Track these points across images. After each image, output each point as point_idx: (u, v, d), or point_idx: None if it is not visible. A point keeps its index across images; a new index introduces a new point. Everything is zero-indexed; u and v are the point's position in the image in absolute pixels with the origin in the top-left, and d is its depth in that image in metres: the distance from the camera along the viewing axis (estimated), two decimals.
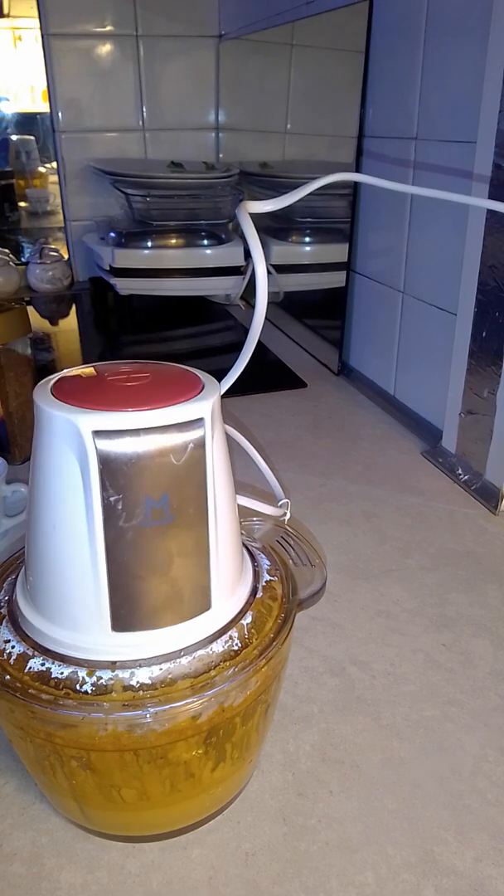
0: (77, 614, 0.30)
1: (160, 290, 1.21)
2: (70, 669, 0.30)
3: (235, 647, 0.32)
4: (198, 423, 0.28)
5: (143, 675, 0.30)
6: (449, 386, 0.72)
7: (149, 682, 0.30)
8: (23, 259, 1.42)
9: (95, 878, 0.35)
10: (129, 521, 0.28)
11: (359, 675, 0.47)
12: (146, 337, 1.19)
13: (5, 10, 1.33)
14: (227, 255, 1.20)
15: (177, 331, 1.21)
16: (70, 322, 1.24)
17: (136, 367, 0.32)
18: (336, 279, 0.97)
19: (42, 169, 1.49)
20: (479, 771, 0.41)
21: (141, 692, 0.29)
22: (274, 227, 1.16)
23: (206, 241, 1.21)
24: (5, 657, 0.31)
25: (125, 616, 0.29)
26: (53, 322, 1.24)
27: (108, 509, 0.28)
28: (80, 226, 1.37)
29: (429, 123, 0.73)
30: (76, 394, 0.29)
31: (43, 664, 0.30)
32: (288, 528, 0.44)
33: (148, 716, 0.29)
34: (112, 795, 0.32)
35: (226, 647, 0.32)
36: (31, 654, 0.31)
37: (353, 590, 0.56)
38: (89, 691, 0.29)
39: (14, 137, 1.45)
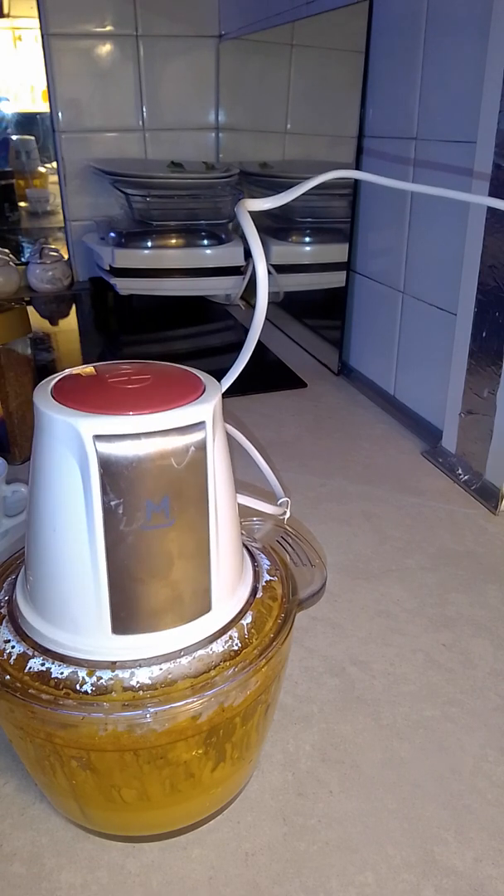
0: (77, 617, 0.30)
1: (160, 290, 1.21)
2: (70, 669, 0.30)
3: (235, 647, 0.32)
4: (199, 426, 0.28)
5: (143, 675, 0.30)
6: (449, 386, 0.72)
7: (149, 682, 0.30)
8: (23, 259, 1.42)
9: (95, 878, 0.35)
10: (129, 524, 0.28)
11: (359, 675, 0.48)
12: (146, 337, 1.19)
13: (5, 10, 1.33)
14: (227, 255, 1.20)
15: (177, 331, 1.21)
16: (70, 322, 1.24)
17: (137, 368, 0.32)
18: (336, 279, 0.97)
19: (42, 169, 1.49)
20: (479, 771, 0.41)
21: (141, 692, 0.29)
22: (274, 227, 1.16)
23: (206, 241, 1.21)
24: (5, 657, 0.31)
25: (125, 619, 0.29)
26: (53, 322, 1.24)
27: (108, 513, 0.28)
28: (80, 226, 1.37)
29: (429, 123, 0.73)
30: (76, 396, 0.29)
31: (43, 664, 0.30)
32: (288, 527, 0.44)
33: (148, 716, 0.29)
34: (112, 795, 0.32)
35: (226, 647, 0.32)
36: (31, 654, 0.31)
37: (353, 590, 0.56)
38: (89, 691, 0.29)
39: (14, 137, 1.45)
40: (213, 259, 1.21)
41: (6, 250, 1.36)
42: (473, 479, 0.70)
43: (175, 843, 0.37)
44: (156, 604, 0.30)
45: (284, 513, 0.44)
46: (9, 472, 0.62)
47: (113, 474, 0.27)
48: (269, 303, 0.33)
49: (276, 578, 0.37)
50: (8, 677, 0.30)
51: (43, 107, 1.32)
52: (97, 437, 0.27)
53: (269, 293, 0.33)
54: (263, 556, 0.38)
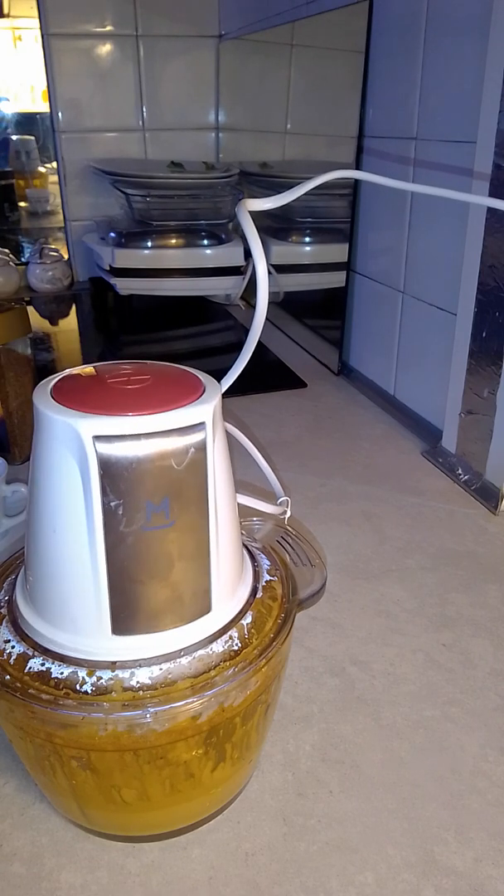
0: (77, 617, 0.30)
1: (160, 290, 1.21)
2: (70, 669, 0.30)
3: (235, 647, 0.32)
4: (199, 426, 0.28)
5: (143, 675, 0.30)
6: (449, 386, 0.72)
7: (149, 682, 0.30)
8: (23, 259, 1.42)
9: (95, 878, 0.35)
10: (129, 525, 0.28)
11: (359, 675, 0.48)
12: (146, 337, 1.19)
13: (5, 10, 1.33)
14: (227, 255, 1.20)
15: (177, 331, 1.21)
16: (70, 322, 1.24)
17: (137, 368, 0.32)
18: (336, 279, 0.97)
19: (42, 169, 1.49)
20: (479, 771, 0.41)
21: (141, 692, 0.29)
22: (274, 227, 1.16)
23: (206, 241, 1.21)
24: (5, 657, 0.31)
25: (125, 620, 0.29)
26: (53, 322, 1.24)
27: (108, 514, 0.28)
28: (80, 226, 1.37)
29: (429, 123, 0.73)
30: (76, 397, 0.29)
31: (43, 664, 0.30)
32: (288, 527, 0.44)
33: (148, 716, 0.29)
34: (112, 796, 0.32)
35: (226, 647, 0.32)
36: (31, 654, 0.31)
37: (353, 590, 0.56)
38: (89, 691, 0.29)
39: (14, 137, 1.45)
40: (213, 259, 1.21)
41: (6, 250, 1.36)
42: (473, 479, 0.70)
43: (175, 843, 0.37)
44: (156, 604, 0.30)
45: (284, 512, 0.44)
46: (9, 472, 0.62)
47: (113, 475, 0.27)
48: (269, 303, 0.34)
49: (276, 578, 0.37)
50: (8, 677, 0.30)
51: (43, 107, 1.32)
52: (97, 438, 0.27)
53: (269, 293, 0.33)
54: (263, 556, 0.38)
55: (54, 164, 1.35)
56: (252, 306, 0.38)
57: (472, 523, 0.65)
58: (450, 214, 0.71)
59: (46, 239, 1.43)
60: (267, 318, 0.33)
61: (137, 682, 0.30)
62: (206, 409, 0.29)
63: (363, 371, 0.96)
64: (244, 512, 0.39)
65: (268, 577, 0.36)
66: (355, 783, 0.40)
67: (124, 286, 1.19)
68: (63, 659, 0.30)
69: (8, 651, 0.31)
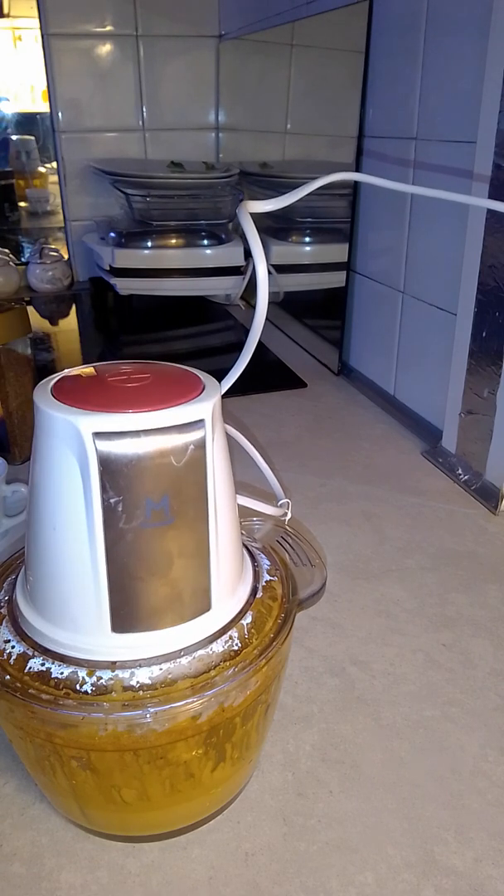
0: (77, 615, 0.30)
1: (160, 290, 1.21)
2: (70, 669, 0.30)
3: (235, 647, 0.32)
4: (198, 424, 0.28)
5: (143, 675, 0.30)
6: (449, 386, 0.72)
7: (149, 682, 0.30)
8: (23, 259, 1.42)
9: (95, 878, 0.35)
10: (129, 522, 0.28)
11: (359, 675, 0.47)
12: (146, 337, 1.19)
13: (5, 10, 1.33)
14: (227, 255, 1.20)
15: (177, 331, 1.21)
16: (70, 322, 1.24)
17: (137, 367, 0.32)
18: (336, 279, 0.97)
19: (42, 169, 1.49)
20: (479, 771, 0.41)
21: (141, 692, 0.29)
22: (274, 227, 1.16)
23: (206, 241, 1.21)
24: (5, 657, 0.31)
25: (125, 617, 0.29)
26: (53, 322, 1.24)
27: (108, 511, 0.28)
28: (80, 226, 1.37)
29: (429, 123, 0.73)
30: (76, 395, 0.29)
31: (43, 664, 0.30)
32: (288, 528, 0.44)
33: (148, 716, 0.29)
34: (112, 796, 0.32)
35: (226, 647, 0.32)
36: (31, 654, 0.31)
37: (353, 590, 0.56)
38: (89, 691, 0.29)
39: (14, 137, 1.45)
40: (213, 259, 1.21)
41: (6, 250, 1.36)
42: (473, 479, 0.70)
43: (175, 843, 0.37)
44: (155, 602, 0.30)
45: (285, 514, 0.44)
46: (9, 472, 0.62)
47: (112, 472, 0.27)
48: (269, 303, 0.33)
49: (276, 578, 0.37)
50: (8, 677, 0.30)
51: (43, 107, 1.32)
52: (97, 435, 0.27)
53: (269, 293, 0.33)
54: (263, 556, 0.38)
55: (54, 164, 1.35)
56: (252, 306, 0.38)
57: (472, 523, 0.65)
58: (450, 214, 0.71)
59: (46, 239, 1.43)
60: (267, 318, 0.33)
61: (137, 682, 0.30)
62: (205, 407, 0.29)
63: (363, 371, 0.96)
64: (244, 512, 0.39)
65: (268, 577, 0.36)
66: (355, 783, 0.40)
67: (124, 286, 1.19)
68: (63, 659, 0.30)
69: (8, 651, 0.31)
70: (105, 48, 1.26)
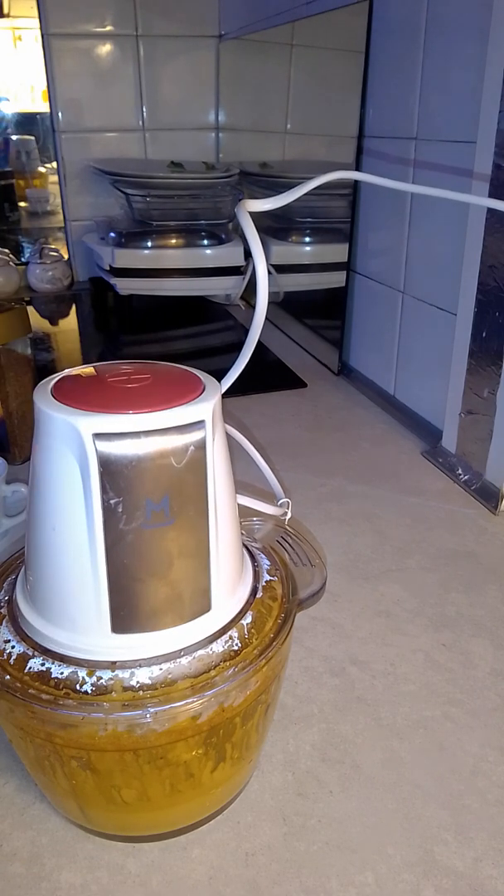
0: (77, 616, 0.30)
1: (160, 290, 1.21)
2: (70, 669, 0.30)
3: (235, 647, 0.32)
4: (198, 425, 0.28)
5: (143, 675, 0.30)
6: (449, 386, 0.72)
7: (149, 682, 0.30)
8: (23, 259, 1.42)
9: (95, 878, 0.35)
10: (129, 523, 0.28)
11: (359, 675, 0.47)
12: (146, 337, 1.19)
13: (5, 10, 1.33)
14: (227, 255, 1.20)
15: (177, 331, 1.21)
16: (70, 322, 1.24)
17: (137, 367, 0.32)
18: (336, 279, 0.97)
19: (42, 169, 1.49)
20: (479, 771, 0.41)
21: (141, 692, 0.29)
22: (274, 227, 1.16)
23: (206, 241, 1.21)
24: (5, 657, 0.31)
25: (125, 618, 0.29)
26: (53, 322, 1.24)
27: (108, 512, 0.28)
28: (80, 226, 1.37)
29: (429, 123, 0.73)
30: (76, 395, 0.29)
31: (43, 664, 0.30)
32: (288, 528, 0.44)
33: (148, 716, 0.29)
34: (112, 796, 0.32)
35: (226, 647, 0.32)
36: (31, 654, 0.31)
37: (353, 590, 0.56)
38: (89, 691, 0.29)
39: (14, 137, 1.45)
40: (213, 259, 1.21)
41: (6, 250, 1.36)
42: (473, 479, 0.70)
43: (175, 843, 0.37)
44: (155, 603, 0.30)
45: (285, 514, 0.44)
46: (9, 472, 0.62)
47: (112, 473, 0.27)
48: (269, 303, 0.33)
49: (276, 578, 0.37)
50: (8, 677, 0.30)
51: (43, 107, 1.32)
52: (97, 436, 0.27)
53: (269, 293, 0.33)
54: (263, 556, 0.38)
55: (54, 164, 1.35)
56: (252, 306, 0.38)
57: (472, 523, 0.65)
58: (450, 214, 0.71)
59: (46, 239, 1.43)
60: (267, 318, 0.33)
61: (137, 682, 0.30)
62: (205, 408, 0.29)
63: (363, 371, 0.96)
64: (244, 512, 0.39)
65: (268, 577, 0.36)
66: (355, 783, 0.40)
67: (124, 286, 1.19)
68: (63, 659, 0.30)
69: (8, 651, 0.31)
70: (105, 48, 1.26)
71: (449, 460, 0.74)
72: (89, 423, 0.27)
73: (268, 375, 0.99)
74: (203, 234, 1.21)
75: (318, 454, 0.77)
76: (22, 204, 1.54)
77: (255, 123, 1.26)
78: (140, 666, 0.30)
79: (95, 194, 1.35)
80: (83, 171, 1.33)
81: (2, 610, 0.34)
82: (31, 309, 1.26)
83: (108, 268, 1.18)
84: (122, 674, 0.30)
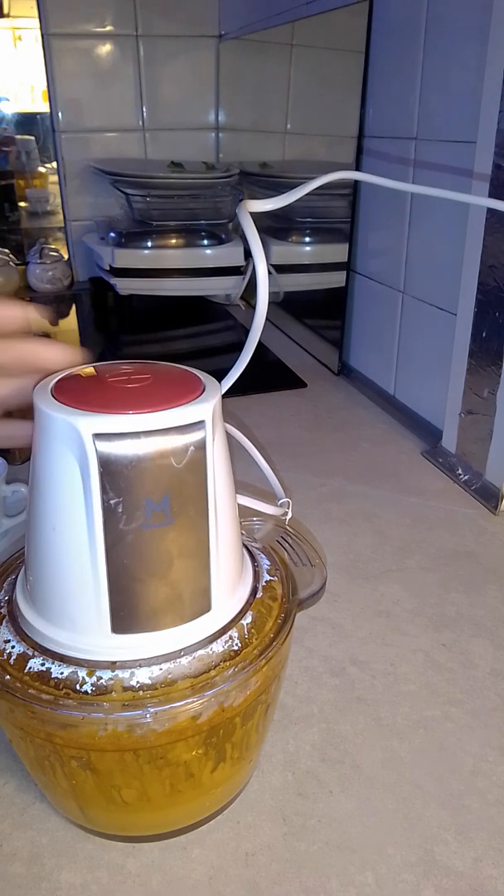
0: (77, 616, 0.30)
1: (160, 290, 1.21)
2: (70, 669, 0.30)
3: (235, 647, 0.32)
4: (198, 425, 0.28)
5: (143, 675, 0.30)
6: (449, 386, 0.72)
7: (149, 682, 0.30)
8: (23, 259, 1.42)
9: (95, 878, 0.35)
10: (129, 523, 0.28)
11: (359, 675, 0.47)
12: (146, 337, 1.19)
13: (5, 10, 1.33)
14: (227, 255, 1.20)
15: (177, 331, 1.21)
16: (70, 322, 1.24)
17: (137, 367, 0.32)
18: (336, 279, 0.97)
19: (42, 169, 1.49)
20: (479, 771, 0.41)
21: (141, 692, 0.29)
22: (274, 227, 1.16)
23: (206, 241, 1.21)
24: (5, 657, 0.31)
25: (125, 618, 0.29)
26: (53, 322, 1.24)
27: (108, 512, 0.28)
28: (80, 226, 1.37)
29: (429, 123, 0.73)
30: (76, 395, 0.29)
31: (43, 664, 0.30)
32: (288, 528, 0.44)
33: (148, 716, 0.29)
34: (112, 796, 0.32)
35: (226, 647, 0.32)
36: (31, 654, 0.31)
37: (353, 590, 0.56)
38: (89, 691, 0.29)
39: (16, 137, 1.45)
40: (213, 259, 1.21)
41: (6, 250, 1.36)
42: (473, 479, 0.70)
43: (175, 843, 0.37)
44: (155, 603, 0.30)
45: (286, 514, 0.44)
46: (9, 472, 0.62)
47: (112, 473, 0.27)
48: (269, 303, 0.33)
49: (276, 578, 0.37)
50: (8, 677, 0.30)
51: (43, 107, 1.32)
52: (97, 436, 0.27)
53: (269, 293, 0.33)
54: (263, 556, 0.38)
55: (54, 164, 1.35)
56: (252, 306, 0.38)
57: (472, 523, 0.65)
58: (450, 214, 0.71)
59: (46, 239, 1.43)
60: (267, 318, 0.33)
61: (137, 682, 0.30)
62: (205, 408, 0.29)
63: (363, 371, 0.96)
64: (244, 512, 0.39)
65: (268, 577, 0.36)
66: (355, 783, 0.40)
67: (124, 286, 1.19)
68: (63, 659, 0.30)
69: (8, 651, 0.31)
70: (105, 48, 1.26)
71: (449, 460, 0.74)
72: (89, 424, 0.27)
73: (268, 375, 0.99)
74: (203, 234, 1.21)
75: (318, 454, 0.77)
76: (22, 204, 1.54)
77: (255, 123, 1.26)
78: (140, 666, 0.30)
79: (95, 194, 1.35)
80: (83, 171, 1.33)
81: (2, 610, 0.34)
82: None
83: (108, 268, 1.18)
84: (122, 674, 0.30)
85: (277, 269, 1.15)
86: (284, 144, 1.16)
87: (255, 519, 0.44)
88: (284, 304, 1.20)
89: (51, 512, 0.29)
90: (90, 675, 0.30)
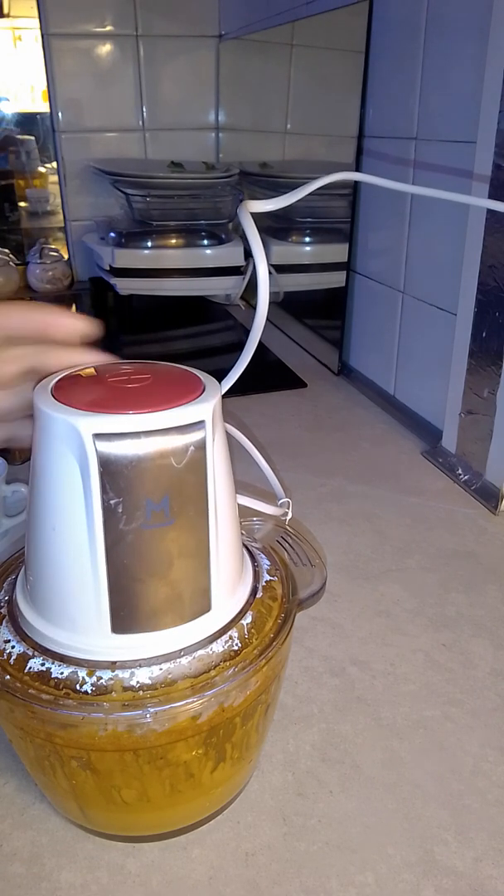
0: (76, 616, 0.30)
1: (160, 290, 1.21)
2: (70, 669, 0.30)
3: (235, 647, 0.32)
4: (199, 425, 0.28)
5: (143, 675, 0.30)
6: (449, 386, 0.72)
7: (149, 682, 0.30)
8: (23, 259, 1.42)
9: (95, 878, 0.35)
10: (129, 523, 0.28)
11: (359, 675, 0.47)
12: (146, 337, 1.19)
13: (5, 10, 1.33)
14: (227, 255, 1.20)
15: (177, 331, 1.21)
16: None
17: (137, 367, 0.32)
18: (336, 279, 0.97)
19: (42, 169, 1.49)
20: (479, 771, 0.41)
21: (141, 692, 0.29)
22: (274, 227, 1.16)
23: (206, 241, 1.21)
24: (5, 657, 0.31)
25: (125, 618, 0.29)
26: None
27: (108, 512, 0.28)
28: (80, 226, 1.37)
29: (429, 123, 0.73)
30: (76, 395, 0.29)
31: (43, 664, 0.30)
32: (288, 528, 0.44)
33: (148, 716, 0.29)
34: (112, 796, 0.32)
35: (226, 647, 0.32)
36: (31, 654, 0.31)
37: (353, 590, 0.56)
38: (89, 691, 0.29)
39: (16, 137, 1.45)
40: (213, 259, 1.21)
41: (6, 250, 1.36)
42: (473, 479, 0.70)
43: (175, 843, 0.37)
44: (155, 603, 0.30)
45: (286, 514, 0.44)
46: (9, 472, 0.62)
47: (112, 473, 0.27)
48: (269, 303, 0.33)
49: (276, 578, 0.37)
50: (8, 677, 0.30)
51: (43, 107, 1.32)
52: (97, 436, 0.27)
53: (269, 293, 0.33)
54: (263, 556, 0.38)
55: (54, 164, 1.35)
56: (252, 306, 0.38)
57: (472, 523, 0.65)
58: (450, 214, 0.71)
59: (46, 239, 1.43)
60: (267, 319, 0.33)
61: (137, 682, 0.30)
62: (205, 408, 0.29)
63: (363, 371, 0.96)
64: (244, 512, 0.39)
65: (268, 577, 0.36)
66: (355, 783, 0.40)
67: (124, 286, 1.19)
68: (63, 659, 0.30)
69: (8, 651, 0.31)
70: (105, 48, 1.26)
71: (449, 460, 0.74)
72: (89, 424, 0.27)
73: (268, 375, 0.99)
74: (203, 234, 1.21)
75: (318, 454, 0.77)
76: (22, 204, 1.54)
77: (255, 123, 1.26)
78: (140, 666, 0.30)
79: (95, 194, 1.35)
80: (83, 171, 1.32)
81: (2, 610, 0.34)
82: None
83: (108, 268, 1.18)
84: (122, 674, 0.30)
85: (277, 269, 1.15)
86: (284, 144, 1.16)
87: (255, 519, 0.44)
88: (284, 304, 1.20)
89: (51, 512, 0.29)
90: (90, 675, 0.30)
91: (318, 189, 0.36)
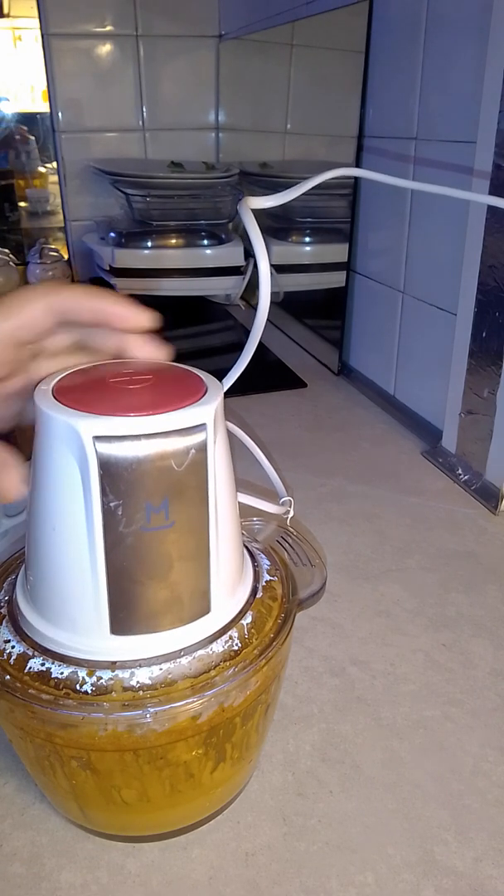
0: (76, 617, 0.30)
1: (160, 291, 1.21)
2: (70, 669, 0.30)
3: (235, 647, 0.32)
4: (200, 428, 0.28)
5: (143, 675, 0.30)
6: (449, 386, 0.72)
7: (149, 682, 0.30)
8: (23, 259, 1.42)
9: (95, 878, 0.35)
10: (129, 526, 0.28)
11: (359, 675, 0.48)
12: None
13: (5, 10, 1.33)
14: (227, 255, 1.20)
15: (177, 331, 1.21)
16: None
17: (139, 367, 0.32)
18: (336, 279, 0.97)
19: (42, 169, 1.49)
20: (479, 771, 0.41)
21: (141, 692, 0.29)
22: (274, 227, 1.16)
23: (206, 241, 1.21)
24: (5, 657, 0.31)
25: (124, 620, 0.29)
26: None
27: (107, 514, 0.28)
28: (80, 226, 1.37)
29: (429, 123, 0.73)
30: (77, 396, 0.29)
31: (43, 664, 0.30)
32: (288, 527, 0.44)
33: (148, 716, 0.29)
34: (112, 796, 0.32)
35: (226, 647, 0.32)
36: (31, 654, 0.31)
37: (353, 590, 0.56)
38: (89, 691, 0.29)
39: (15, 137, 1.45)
40: (213, 259, 1.21)
41: (6, 250, 1.36)
42: (473, 479, 0.70)
43: (175, 843, 0.37)
44: (155, 605, 0.30)
45: (287, 512, 0.44)
46: None
47: (112, 475, 0.27)
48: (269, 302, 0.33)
49: (276, 578, 0.37)
50: (8, 677, 0.30)
51: (43, 107, 1.32)
52: (97, 438, 0.27)
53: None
54: (263, 556, 0.38)
55: (54, 164, 1.35)
56: (252, 306, 0.38)
57: (472, 523, 0.65)
58: (450, 214, 0.71)
59: (46, 239, 1.43)
60: (267, 319, 0.33)
61: (137, 682, 0.30)
62: (207, 411, 0.29)
63: (363, 371, 0.96)
64: (245, 512, 0.39)
65: (268, 577, 0.36)
66: (355, 783, 0.40)
67: (124, 286, 1.19)
68: (63, 659, 0.30)
69: (8, 651, 0.31)
70: (105, 48, 1.26)
71: (449, 460, 0.74)
72: (89, 426, 0.27)
73: (268, 375, 0.99)
74: (203, 234, 1.21)
75: (318, 454, 0.77)
76: (22, 204, 1.54)
77: (255, 123, 1.26)
78: (140, 666, 0.30)
79: (95, 194, 1.35)
80: (83, 171, 1.32)
81: (2, 610, 0.34)
82: None
83: (108, 268, 1.18)
84: (122, 674, 0.30)
85: (277, 269, 1.15)
86: (284, 144, 1.16)
87: (255, 519, 0.44)
88: (284, 304, 1.20)
89: (51, 512, 0.29)
90: (90, 675, 0.30)
91: (318, 188, 0.36)
